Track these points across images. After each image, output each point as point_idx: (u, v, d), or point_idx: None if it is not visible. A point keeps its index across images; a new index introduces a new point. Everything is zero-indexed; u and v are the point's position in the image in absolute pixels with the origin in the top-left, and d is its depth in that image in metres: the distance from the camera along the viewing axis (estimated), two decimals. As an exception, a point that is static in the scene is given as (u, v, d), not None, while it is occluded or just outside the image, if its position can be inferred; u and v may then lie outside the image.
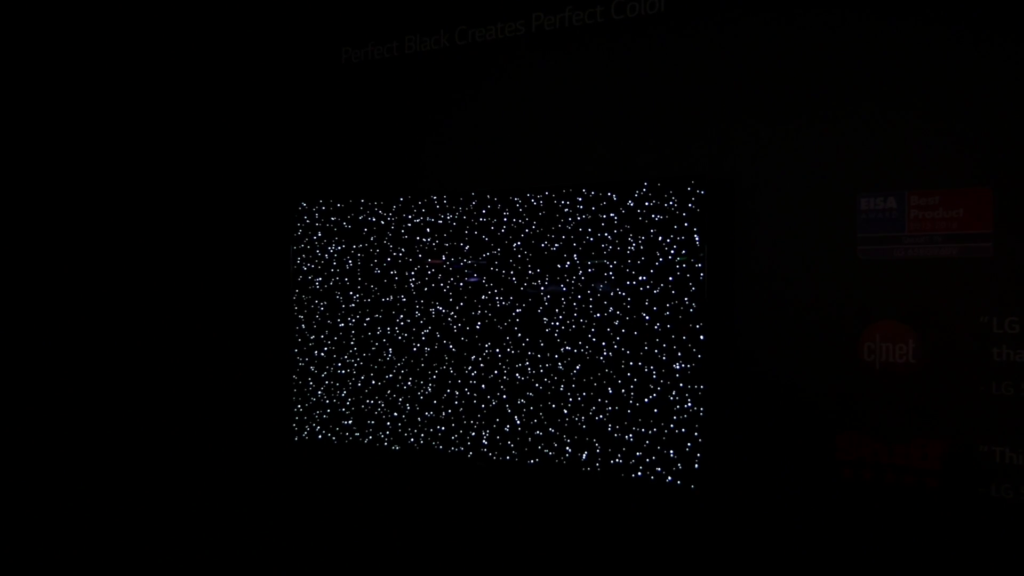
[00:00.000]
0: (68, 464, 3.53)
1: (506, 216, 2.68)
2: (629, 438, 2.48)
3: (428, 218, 2.82)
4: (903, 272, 2.25)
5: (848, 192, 2.32)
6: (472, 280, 2.73)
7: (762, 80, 2.43)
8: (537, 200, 2.63)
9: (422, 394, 2.82)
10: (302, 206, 3.06)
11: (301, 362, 3.08)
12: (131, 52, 3.62)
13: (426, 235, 2.82)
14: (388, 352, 2.89)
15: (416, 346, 2.84)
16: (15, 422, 3.48)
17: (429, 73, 3.02)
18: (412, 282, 2.85)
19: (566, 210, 2.58)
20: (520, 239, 2.65)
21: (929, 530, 2.21)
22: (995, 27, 2.15)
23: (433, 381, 2.81)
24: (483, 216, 2.72)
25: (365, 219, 2.94)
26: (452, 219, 2.77)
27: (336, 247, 3.00)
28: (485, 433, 2.71)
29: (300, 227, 3.06)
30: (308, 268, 3.05)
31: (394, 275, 2.88)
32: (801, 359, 2.38)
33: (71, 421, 3.56)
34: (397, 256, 2.88)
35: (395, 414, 2.89)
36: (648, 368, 2.44)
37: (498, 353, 2.69)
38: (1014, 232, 2.12)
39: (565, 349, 2.57)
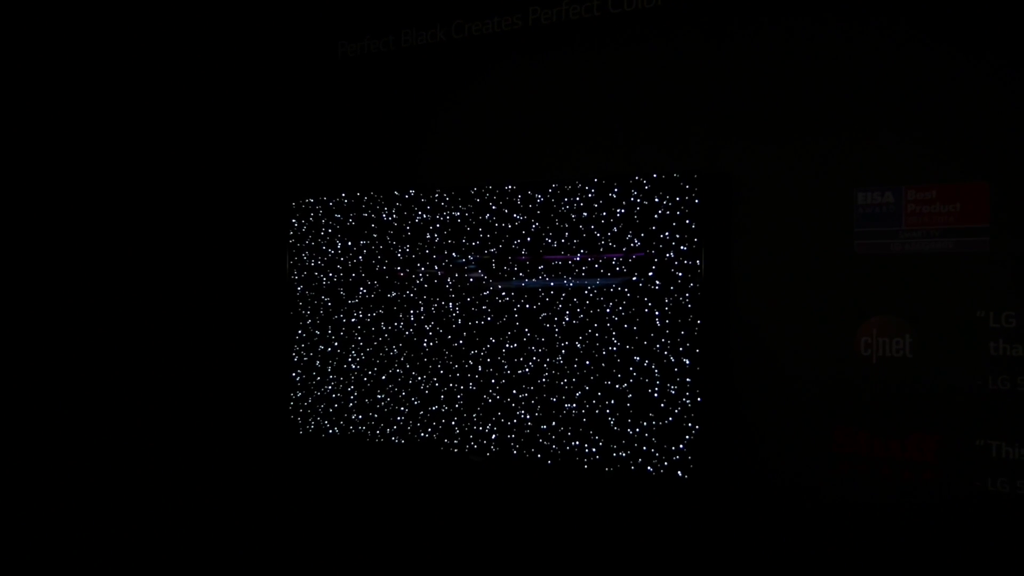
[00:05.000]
0: (69, 462, 3.54)
1: (506, 212, 2.68)
2: (628, 431, 2.49)
3: (429, 215, 2.82)
4: (900, 266, 2.25)
5: (845, 187, 2.32)
6: (472, 274, 2.74)
7: (760, 75, 2.43)
8: (536, 196, 2.63)
9: (427, 388, 2.84)
10: (308, 202, 3.06)
11: (307, 356, 3.09)
12: (126, 48, 3.61)
13: (428, 231, 2.82)
14: (392, 348, 2.90)
15: (424, 342, 2.85)
16: (15, 419, 3.48)
17: (425, 67, 3.02)
18: (415, 277, 2.86)
19: (564, 205, 2.58)
20: (520, 235, 2.65)
21: (925, 524, 2.22)
22: (992, 24, 2.14)
23: (437, 376, 2.82)
24: (483, 212, 2.72)
25: (359, 213, 2.94)
26: (456, 216, 2.77)
27: (335, 241, 3.00)
28: (486, 427, 2.73)
29: (306, 224, 3.07)
30: (313, 264, 3.06)
31: (398, 270, 2.88)
32: (798, 353, 2.39)
33: (72, 419, 3.57)
34: (396, 251, 2.89)
35: (400, 408, 2.90)
36: (647, 361, 2.45)
37: (501, 348, 2.70)
38: (1010, 226, 2.12)
39: (565, 343, 2.58)
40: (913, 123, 2.23)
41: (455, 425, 2.78)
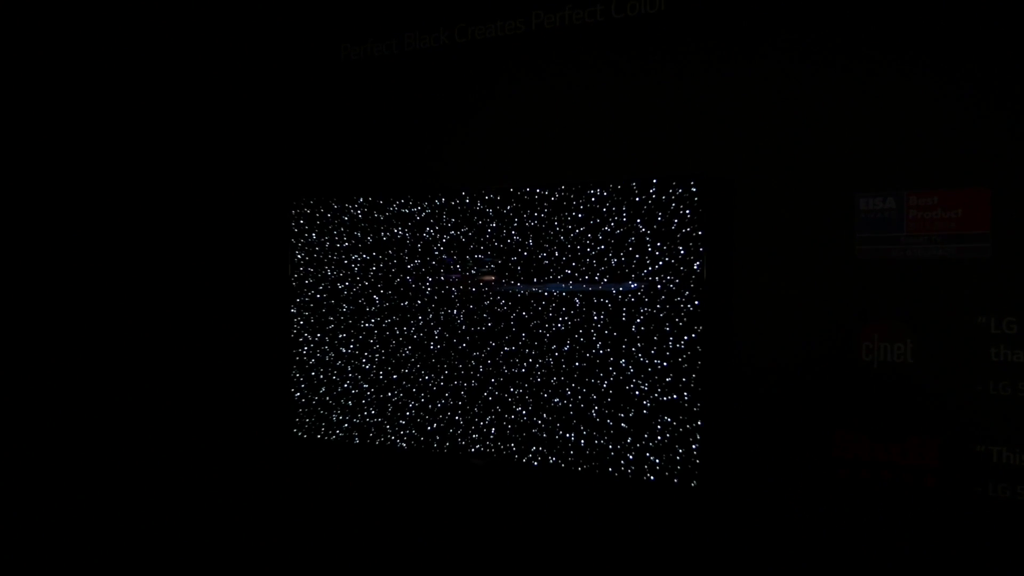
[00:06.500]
0: (73, 463, 3.56)
1: (503, 233, 2.72)
2: (628, 435, 2.50)
3: (437, 232, 2.87)
4: (901, 272, 2.25)
5: (847, 192, 2.31)
6: (475, 279, 2.79)
7: (762, 79, 2.42)
8: (536, 197, 2.65)
9: (434, 385, 2.90)
10: (327, 217, 3.11)
11: (327, 358, 3.15)
12: (127, 49, 3.61)
13: (435, 247, 2.87)
14: (403, 350, 2.97)
15: (432, 345, 2.91)
16: (14, 421, 3.49)
17: (428, 71, 3.03)
18: (420, 285, 2.91)
19: (559, 219, 2.61)
20: (520, 237, 2.68)
21: (926, 529, 2.23)
22: (994, 27, 2.13)
23: (443, 375, 2.87)
24: (486, 218, 2.75)
25: (377, 234, 3.00)
26: (459, 235, 2.82)
27: (352, 254, 3.05)
28: (485, 419, 2.78)
29: (328, 239, 3.11)
30: (330, 274, 3.12)
31: (407, 280, 2.95)
32: (799, 358, 2.39)
33: (90, 423, 3.59)
34: (407, 263, 2.93)
35: (410, 403, 2.95)
36: (648, 366, 2.46)
37: (499, 350, 2.73)
38: (1012, 232, 2.11)
39: (564, 347, 2.60)
40: (915, 128, 2.22)
41: (459, 418, 2.84)
